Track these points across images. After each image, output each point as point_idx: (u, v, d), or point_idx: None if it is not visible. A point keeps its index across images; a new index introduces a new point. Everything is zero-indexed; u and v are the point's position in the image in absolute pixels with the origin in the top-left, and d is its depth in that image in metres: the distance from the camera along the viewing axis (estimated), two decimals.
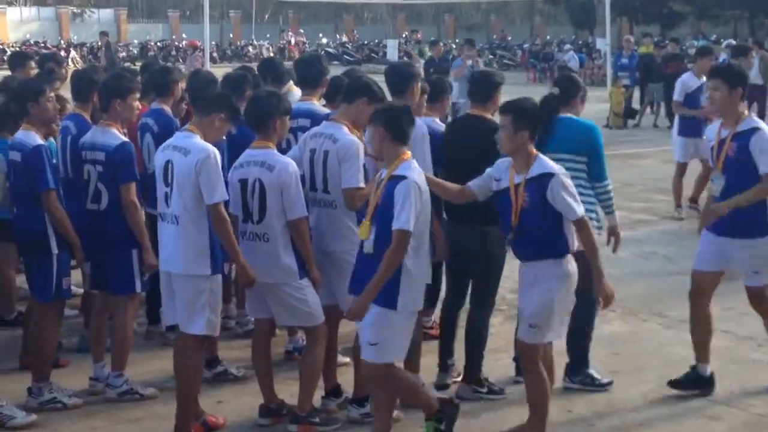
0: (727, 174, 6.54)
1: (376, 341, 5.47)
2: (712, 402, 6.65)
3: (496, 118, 6.67)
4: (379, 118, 5.58)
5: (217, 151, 5.91)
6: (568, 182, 5.67)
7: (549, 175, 5.62)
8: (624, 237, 11.56)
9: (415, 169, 5.49)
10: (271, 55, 54.52)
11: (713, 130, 6.76)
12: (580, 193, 6.57)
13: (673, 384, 6.80)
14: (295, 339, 7.46)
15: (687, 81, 12.96)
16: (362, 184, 5.99)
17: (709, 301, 6.84)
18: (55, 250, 6.44)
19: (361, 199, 5.99)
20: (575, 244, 5.75)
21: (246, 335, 7.85)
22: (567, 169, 6.56)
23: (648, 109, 23.91)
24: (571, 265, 5.75)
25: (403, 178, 5.38)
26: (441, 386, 6.83)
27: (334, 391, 6.45)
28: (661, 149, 19.55)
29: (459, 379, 6.90)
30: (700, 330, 6.83)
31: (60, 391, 6.57)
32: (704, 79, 12.65)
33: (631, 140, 21.21)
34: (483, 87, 6.78)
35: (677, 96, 12.94)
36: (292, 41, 58.43)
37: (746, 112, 6.61)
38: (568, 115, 6.69)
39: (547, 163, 5.71)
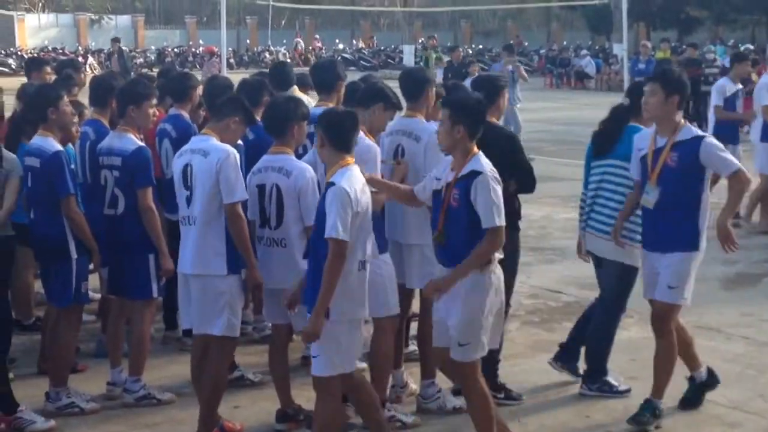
0: (662, 185, 6.15)
1: (316, 353, 5.39)
2: (731, 408, 6.62)
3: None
4: (320, 122, 5.52)
5: (236, 152, 5.96)
6: (495, 187, 5.33)
7: (476, 173, 5.33)
8: None
9: (350, 175, 5.33)
10: (288, 60, 54.77)
11: (644, 139, 6.37)
12: (622, 204, 6.60)
13: (684, 404, 6.63)
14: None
15: (724, 86, 12.70)
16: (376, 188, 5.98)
17: (672, 328, 6.37)
18: (74, 255, 6.47)
19: (379, 203, 5.98)
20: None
21: (263, 340, 7.86)
22: (619, 176, 6.65)
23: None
24: (496, 274, 5.45)
25: (332, 184, 5.34)
26: (458, 392, 6.81)
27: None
28: None
29: None
30: (666, 360, 6.42)
31: (78, 396, 6.59)
32: (740, 84, 12.64)
33: None
34: (486, 92, 6.75)
35: (717, 101, 12.63)
36: (299, 46, 58.54)
37: (683, 120, 6.25)
38: (637, 124, 6.65)
39: (481, 161, 5.42)
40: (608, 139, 6.77)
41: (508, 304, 6.79)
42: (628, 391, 6.87)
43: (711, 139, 6.16)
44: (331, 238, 5.17)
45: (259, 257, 6.00)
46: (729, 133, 12.47)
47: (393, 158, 6.44)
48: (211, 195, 5.85)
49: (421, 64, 31.04)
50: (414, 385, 6.81)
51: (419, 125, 6.47)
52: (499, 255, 5.44)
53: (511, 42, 26.34)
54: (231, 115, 6.08)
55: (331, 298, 5.23)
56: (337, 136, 5.42)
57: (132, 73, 23.33)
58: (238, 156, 5.95)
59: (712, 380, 6.72)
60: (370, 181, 5.62)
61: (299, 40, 60.75)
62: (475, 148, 5.50)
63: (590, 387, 6.88)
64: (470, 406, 5.65)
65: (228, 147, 5.92)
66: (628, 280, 6.82)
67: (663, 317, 6.31)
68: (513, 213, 6.54)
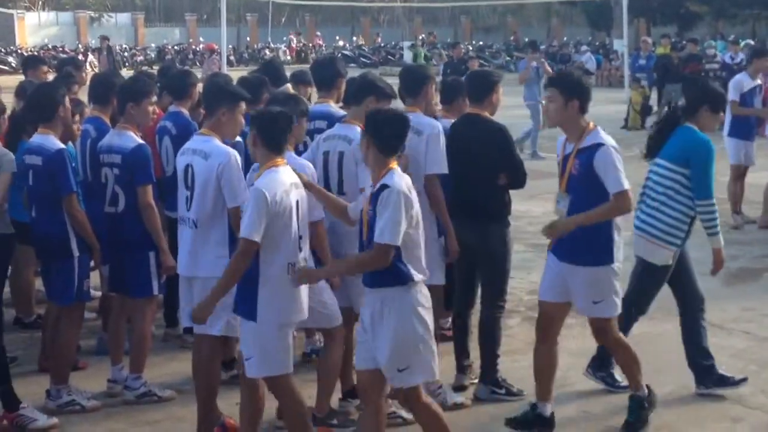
0: (572, 193, 5.95)
1: (248, 356, 5.38)
2: (733, 404, 6.62)
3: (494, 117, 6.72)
4: (254, 122, 5.52)
5: (237, 154, 5.93)
6: (396, 201, 5.03)
7: (384, 187, 5.12)
8: None
9: (272, 177, 5.32)
10: (288, 58, 54.73)
11: (558, 145, 6.20)
12: (665, 204, 6.56)
13: (511, 423, 6.24)
14: (312, 341, 7.46)
15: (742, 81, 12.36)
16: None
17: (557, 333, 6.20)
18: (76, 253, 6.47)
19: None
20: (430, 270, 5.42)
21: None
22: (662, 177, 6.64)
23: (666, 110, 23.82)
24: (423, 293, 5.22)
25: (251, 185, 5.34)
26: (458, 388, 6.82)
27: (351, 392, 6.45)
28: None
29: (475, 380, 6.90)
30: (546, 365, 6.20)
31: (78, 394, 6.60)
32: (759, 80, 12.49)
33: None
34: (479, 86, 6.78)
35: (733, 96, 12.24)
36: (293, 44, 58.52)
37: (591, 124, 5.96)
38: (690, 125, 6.63)
39: (393, 175, 5.16)
40: (658, 141, 6.76)
41: (499, 304, 6.77)
42: (626, 387, 6.85)
43: (607, 148, 5.80)
44: (241, 237, 5.23)
45: None
46: (744, 129, 12.32)
47: None
48: (213, 198, 5.83)
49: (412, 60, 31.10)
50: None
51: (420, 119, 6.47)
52: (422, 277, 5.21)
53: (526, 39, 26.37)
54: (218, 107, 6.02)
55: (225, 292, 5.32)
56: (269, 137, 5.41)
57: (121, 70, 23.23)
58: (239, 158, 5.92)
59: (549, 422, 6.24)
60: (307, 188, 5.59)
61: (292, 37, 60.70)
62: (393, 163, 5.26)
63: (595, 373, 6.87)
64: (423, 427, 5.46)
65: (228, 150, 5.88)
66: (653, 280, 6.74)
67: (603, 332, 6.15)
68: (502, 208, 6.59)
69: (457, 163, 6.57)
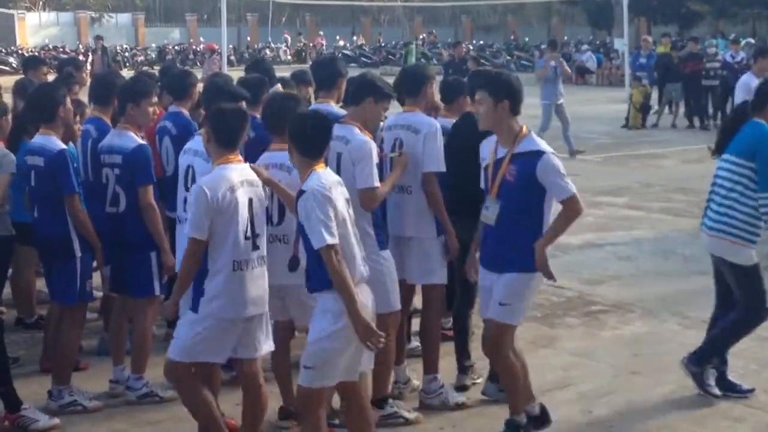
0: (503, 200, 5.74)
1: (175, 337, 5.54)
2: (735, 403, 6.61)
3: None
4: (209, 119, 5.54)
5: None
6: (311, 205, 4.98)
7: (301, 193, 5.11)
8: (643, 237, 11.67)
9: (217, 175, 5.34)
10: (289, 57, 54.73)
11: (488, 148, 5.95)
12: (738, 201, 6.49)
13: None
14: None
15: (748, 82, 12.25)
16: (377, 184, 5.97)
17: (511, 346, 5.90)
18: (78, 253, 6.47)
19: (378, 199, 5.98)
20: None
21: None
22: (729, 171, 6.59)
23: (666, 109, 23.82)
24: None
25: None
26: (460, 388, 6.82)
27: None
28: (680, 149, 19.51)
29: (479, 380, 6.89)
30: (517, 382, 5.94)
31: (80, 394, 6.59)
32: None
33: (650, 140, 21.13)
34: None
35: (741, 98, 12.00)
36: (288, 44, 58.52)
37: (524, 129, 5.78)
38: (759, 120, 6.60)
39: (312, 178, 5.11)
40: (726, 137, 6.73)
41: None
42: (717, 396, 6.72)
43: (548, 156, 5.66)
44: (188, 236, 5.32)
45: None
46: None
47: (392, 151, 6.45)
48: None
49: (404, 60, 31.10)
50: (416, 381, 6.81)
51: (418, 118, 6.49)
52: (356, 277, 5.13)
53: (555, 38, 26.12)
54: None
55: (182, 291, 5.41)
56: (220, 133, 5.43)
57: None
58: None
59: (544, 417, 6.08)
60: (267, 183, 5.59)
61: (287, 36, 60.69)
62: (320, 165, 5.23)
63: (691, 366, 6.76)
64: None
65: None
66: (753, 279, 6.63)
67: (496, 339, 5.82)
68: None
69: (459, 162, 6.56)
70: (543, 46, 51.45)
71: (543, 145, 5.73)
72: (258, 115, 7.06)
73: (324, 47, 57.21)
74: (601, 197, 14.36)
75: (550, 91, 18.48)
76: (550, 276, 5.71)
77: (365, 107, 6.16)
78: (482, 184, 6.02)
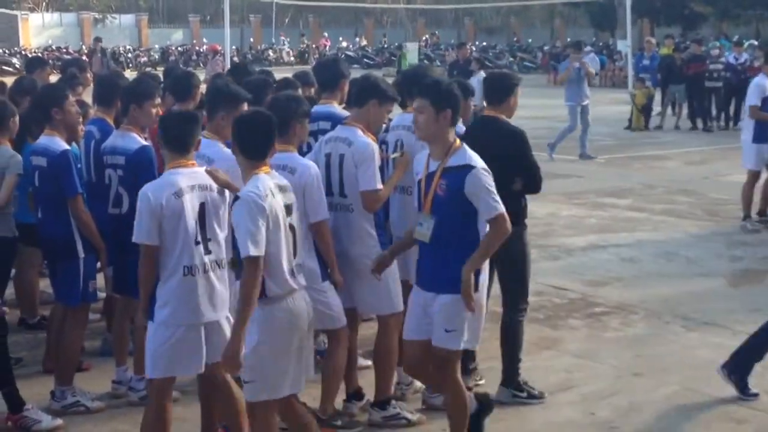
0: (436, 216, 5.44)
1: (146, 357, 5.48)
2: (738, 405, 6.60)
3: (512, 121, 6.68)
4: (160, 124, 5.55)
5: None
6: (241, 212, 4.88)
7: (236, 198, 5.01)
8: (646, 239, 11.67)
9: (164, 180, 5.34)
10: (291, 59, 54.75)
11: (420, 162, 5.65)
12: None
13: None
14: (317, 342, 7.44)
15: (762, 84, 11.97)
16: (380, 186, 5.97)
17: (457, 370, 5.62)
18: (81, 254, 6.47)
19: (380, 201, 5.98)
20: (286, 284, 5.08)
21: None
22: None
23: (669, 111, 23.81)
24: (280, 308, 5.03)
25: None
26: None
27: (355, 394, 6.45)
28: (683, 151, 19.51)
29: (481, 382, 6.88)
30: (465, 410, 5.72)
31: (83, 395, 6.59)
32: None
33: (654, 142, 21.12)
34: (497, 88, 6.70)
35: (755, 100, 11.92)
36: (284, 44, 58.54)
37: (458, 142, 5.50)
38: None
39: (254, 182, 5.01)
40: None
41: (522, 307, 6.71)
42: (756, 395, 6.71)
43: (477, 171, 5.35)
44: (136, 241, 5.33)
45: None
46: (766, 133, 11.87)
47: (394, 151, 6.45)
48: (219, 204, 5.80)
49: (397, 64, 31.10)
50: (419, 382, 6.81)
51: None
52: (280, 291, 5.03)
53: (579, 40, 25.80)
54: (216, 110, 6.01)
55: (145, 297, 5.36)
56: (171, 138, 5.42)
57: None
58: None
59: (485, 405, 6.05)
60: (224, 186, 5.51)
61: (283, 38, 60.73)
62: (263, 168, 5.11)
63: (729, 375, 6.73)
64: None
65: (232, 156, 5.83)
66: None
67: (445, 365, 5.54)
68: (519, 212, 6.53)
69: None
70: (545, 47, 51.66)
71: (475, 159, 5.42)
72: None
73: (328, 48, 57.24)
74: (604, 199, 14.36)
75: (574, 93, 18.38)
76: (470, 308, 5.30)
77: (369, 109, 6.16)
78: (414, 201, 5.77)
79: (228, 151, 5.86)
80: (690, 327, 8.30)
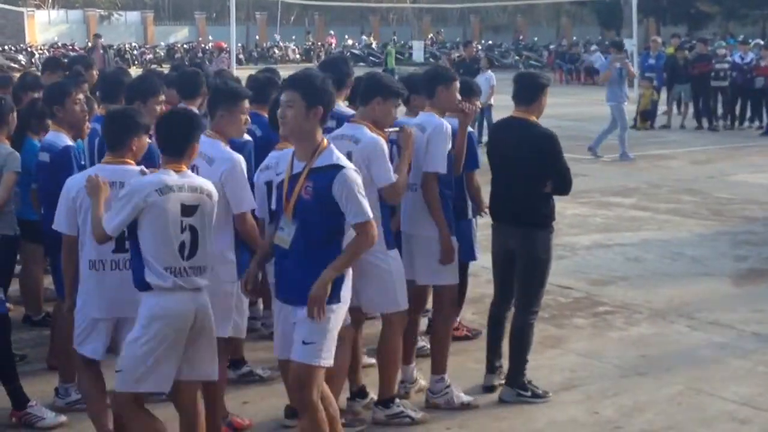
0: (298, 221, 5.06)
1: None
2: (742, 404, 6.59)
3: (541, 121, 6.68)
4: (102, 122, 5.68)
5: (242, 159, 5.84)
6: (124, 199, 5.03)
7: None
8: (651, 238, 11.67)
9: (85, 174, 5.47)
10: (297, 56, 54.72)
11: (283, 162, 5.31)
12: None
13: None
14: None
15: None
16: (395, 178, 5.95)
17: (317, 390, 5.08)
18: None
19: (400, 190, 5.98)
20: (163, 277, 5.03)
21: (272, 336, 7.84)
22: None
23: (675, 110, 23.78)
24: (158, 303, 5.01)
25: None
26: (488, 388, 6.82)
27: (359, 392, 6.45)
28: (689, 150, 19.49)
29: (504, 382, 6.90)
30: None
31: None
32: None
33: (659, 141, 21.11)
34: (527, 89, 6.67)
35: None
36: (279, 42, 58.52)
37: (325, 141, 5.12)
38: None
39: (158, 176, 5.11)
40: None
41: (534, 309, 6.70)
42: None
43: (347, 171, 5.00)
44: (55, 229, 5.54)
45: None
46: None
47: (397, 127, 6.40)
48: (219, 206, 5.78)
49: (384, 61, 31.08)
50: (423, 381, 6.81)
51: (429, 118, 6.48)
52: (161, 282, 5.02)
53: (618, 38, 25.62)
54: (216, 108, 5.99)
55: (69, 287, 5.61)
56: (107, 135, 5.56)
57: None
58: (243, 163, 5.83)
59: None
60: (90, 193, 5.44)
61: (277, 36, 60.67)
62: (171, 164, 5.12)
63: None
64: None
65: (233, 155, 5.81)
66: None
67: (303, 383, 5.03)
68: (548, 214, 6.56)
69: (501, 167, 6.62)
70: (551, 46, 51.63)
71: (342, 159, 5.10)
72: (266, 115, 7.09)
73: (334, 46, 57.21)
74: (609, 198, 14.35)
75: (615, 93, 18.33)
76: (315, 315, 4.92)
77: (374, 107, 6.15)
78: (273, 204, 5.45)
79: (228, 152, 5.83)
80: (694, 326, 8.29)
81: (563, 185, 6.59)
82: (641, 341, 7.95)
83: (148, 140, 6.61)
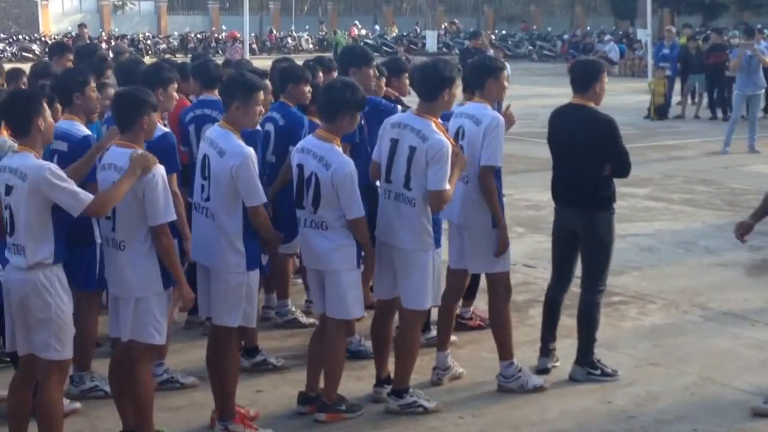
0: None
1: None
2: (754, 395, 6.58)
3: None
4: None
5: (252, 153, 5.80)
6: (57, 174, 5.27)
7: None
8: (664, 228, 11.64)
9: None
10: (310, 46, 54.65)
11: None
12: None
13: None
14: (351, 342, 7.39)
15: None
16: (448, 186, 5.95)
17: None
18: (98, 240, 6.46)
19: (447, 201, 6.00)
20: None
21: (285, 325, 7.89)
22: None
23: (689, 100, 23.68)
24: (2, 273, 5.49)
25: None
26: (542, 371, 6.86)
27: (387, 379, 6.47)
28: (703, 140, 19.40)
29: (557, 364, 6.96)
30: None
31: (101, 380, 6.62)
32: None
33: (673, 131, 21.02)
34: (584, 75, 6.76)
35: None
36: (274, 33, 58.39)
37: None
38: None
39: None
40: None
41: (600, 288, 6.80)
42: None
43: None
44: None
45: (300, 239, 6.19)
46: None
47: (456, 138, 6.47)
48: (227, 195, 5.77)
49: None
50: (459, 369, 6.82)
51: (482, 110, 6.51)
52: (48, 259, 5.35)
53: (751, 25, 24.91)
54: (231, 101, 5.95)
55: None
56: (116, 116, 5.65)
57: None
58: (254, 157, 5.79)
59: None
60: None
61: (272, 27, 60.50)
62: None
63: None
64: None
65: (243, 149, 5.77)
66: None
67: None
68: (610, 196, 6.72)
69: (563, 153, 6.73)
70: (565, 36, 51.45)
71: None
72: (291, 103, 7.15)
73: (357, 37, 56.85)
74: (622, 188, 14.22)
75: (742, 82, 18.10)
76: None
77: (443, 97, 6.10)
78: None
79: (239, 145, 5.80)
80: (708, 317, 8.28)
81: (622, 168, 6.73)
82: (655, 331, 7.94)
83: (166, 128, 6.66)
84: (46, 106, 5.50)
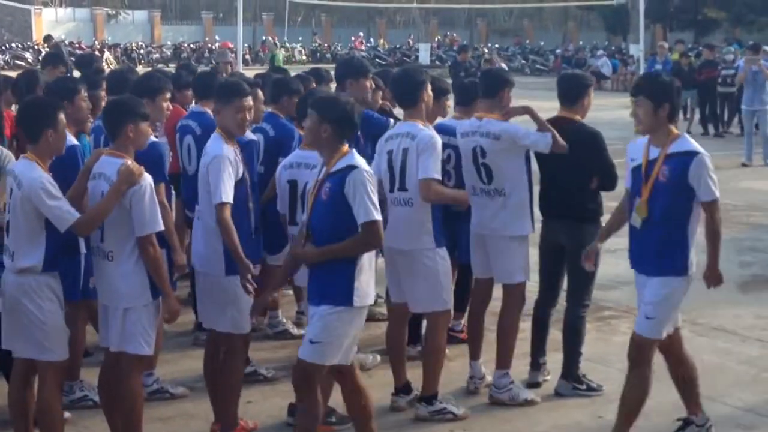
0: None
1: None
2: (746, 411, 6.59)
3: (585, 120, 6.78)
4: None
5: (227, 153, 5.75)
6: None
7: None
8: None
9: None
10: (304, 57, 54.64)
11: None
12: None
13: None
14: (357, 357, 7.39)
15: None
16: (438, 176, 6.01)
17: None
18: (83, 250, 6.43)
19: (435, 191, 6.04)
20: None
21: (276, 337, 7.87)
22: None
23: (681, 116, 23.76)
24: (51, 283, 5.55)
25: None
26: (533, 384, 6.85)
27: (404, 388, 6.47)
28: None
29: (549, 377, 6.96)
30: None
31: (91, 390, 6.59)
32: None
33: None
34: (571, 89, 6.79)
35: None
36: (269, 41, 58.26)
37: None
38: None
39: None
40: None
41: (585, 303, 6.84)
42: None
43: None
44: None
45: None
46: None
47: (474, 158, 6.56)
48: (207, 194, 5.79)
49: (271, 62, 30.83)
50: (490, 377, 6.83)
51: (497, 126, 6.54)
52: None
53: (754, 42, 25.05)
54: (216, 105, 6.00)
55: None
56: (106, 126, 5.66)
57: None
58: (228, 158, 5.73)
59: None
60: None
61: (266, 36, 60.41)
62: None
63: None
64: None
65: (218, 149, 5.76)
66: None
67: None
68: (596, 209, 6.78)
69: (550, 165, 6.71)
70: (558, 50, 51.60)
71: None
72: (281, 114, 7.15)
73: (363, 49, 56.69)
74: (614, 202, 14.26)
75: (748, 97, 18.21)
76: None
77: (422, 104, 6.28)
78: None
79: (216, 146, 5.79)
80: (698, 332, 8.28)
81: (609, 181, 6.79)
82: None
83: (155, 138, 6.65)
84: (61, 118, 5.52)
